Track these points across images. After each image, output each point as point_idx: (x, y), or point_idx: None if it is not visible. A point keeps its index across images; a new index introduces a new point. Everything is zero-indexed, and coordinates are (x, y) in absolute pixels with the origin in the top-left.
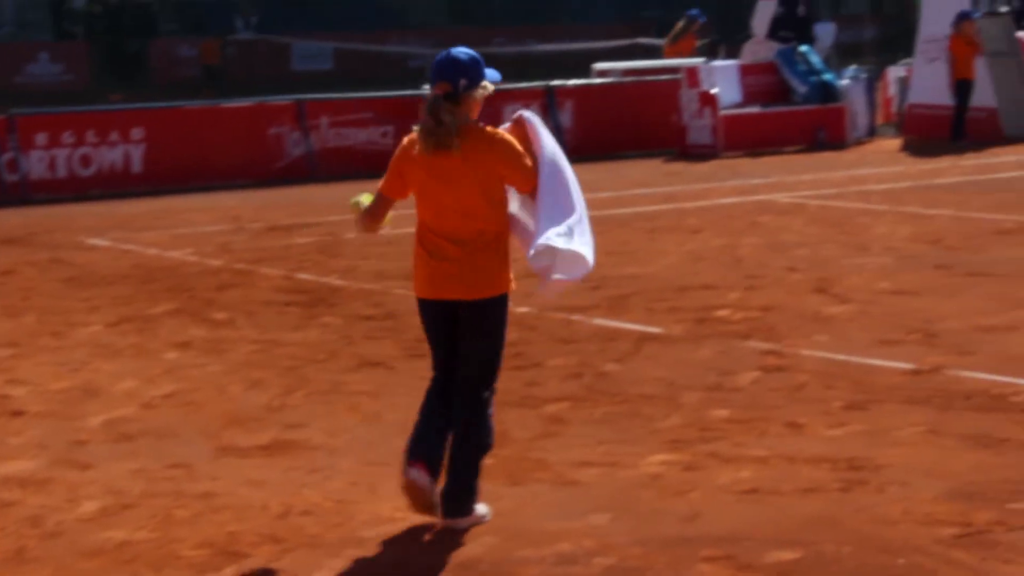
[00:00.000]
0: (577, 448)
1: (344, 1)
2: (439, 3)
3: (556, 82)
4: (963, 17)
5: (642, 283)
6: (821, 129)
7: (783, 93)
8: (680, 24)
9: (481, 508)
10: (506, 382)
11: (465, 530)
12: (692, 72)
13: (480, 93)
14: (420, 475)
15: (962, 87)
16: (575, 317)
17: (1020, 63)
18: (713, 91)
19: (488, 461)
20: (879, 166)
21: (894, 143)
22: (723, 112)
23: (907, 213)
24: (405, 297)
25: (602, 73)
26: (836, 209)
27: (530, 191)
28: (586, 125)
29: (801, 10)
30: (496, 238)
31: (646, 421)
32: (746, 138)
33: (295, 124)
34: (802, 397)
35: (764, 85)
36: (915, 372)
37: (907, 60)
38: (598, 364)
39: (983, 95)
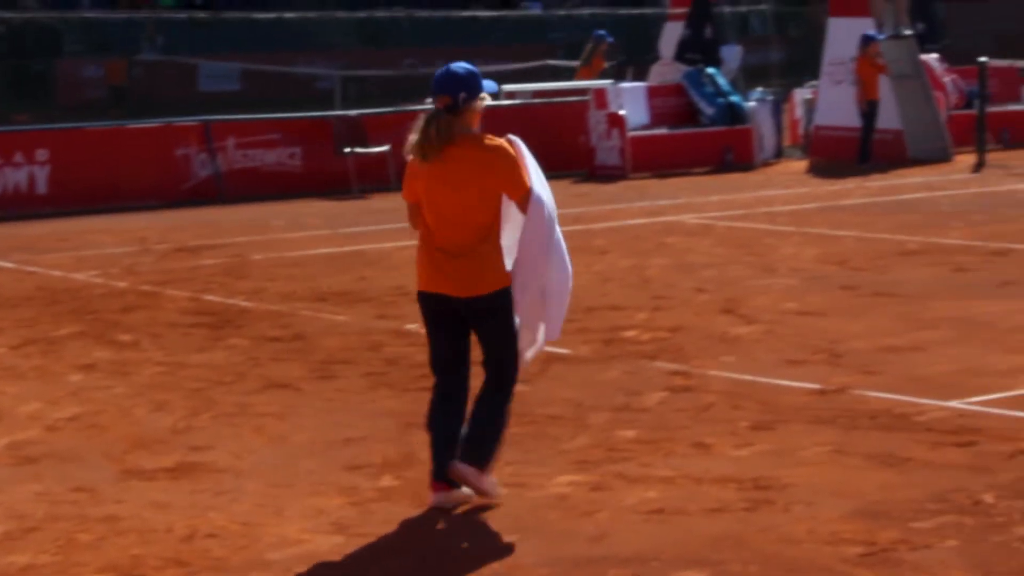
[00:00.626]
0: None
1: (251, 22)
2: (348, 24)
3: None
4: (868, 40)
5: None
6: (728, 151)
7: (691, 115)
8: (589, 46)
9: (493, 481)
10: (413, 404)
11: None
12: (600, 94)
13: (479, 104)
14: (445, 497)
15: (870, 109)
16: None
17: (924, 85)
18: (621, 113)
19: (395, 483)
20: (786, 187)
21: (801, 165)
22: (631, 134)
23: (813, 234)
24: (313, 318)
25: (510, 95)
26: (743, 230)
27: (519, 199)
28: None
29: (708, 32)
30: (492, 238)
31: (553, 442)
32: (654, 159)
33: (202, 145)
34: (709, 417)
35: (672, 107)
36: (821, 392)
37: (813, 82)
38: None
39: (889, 118)
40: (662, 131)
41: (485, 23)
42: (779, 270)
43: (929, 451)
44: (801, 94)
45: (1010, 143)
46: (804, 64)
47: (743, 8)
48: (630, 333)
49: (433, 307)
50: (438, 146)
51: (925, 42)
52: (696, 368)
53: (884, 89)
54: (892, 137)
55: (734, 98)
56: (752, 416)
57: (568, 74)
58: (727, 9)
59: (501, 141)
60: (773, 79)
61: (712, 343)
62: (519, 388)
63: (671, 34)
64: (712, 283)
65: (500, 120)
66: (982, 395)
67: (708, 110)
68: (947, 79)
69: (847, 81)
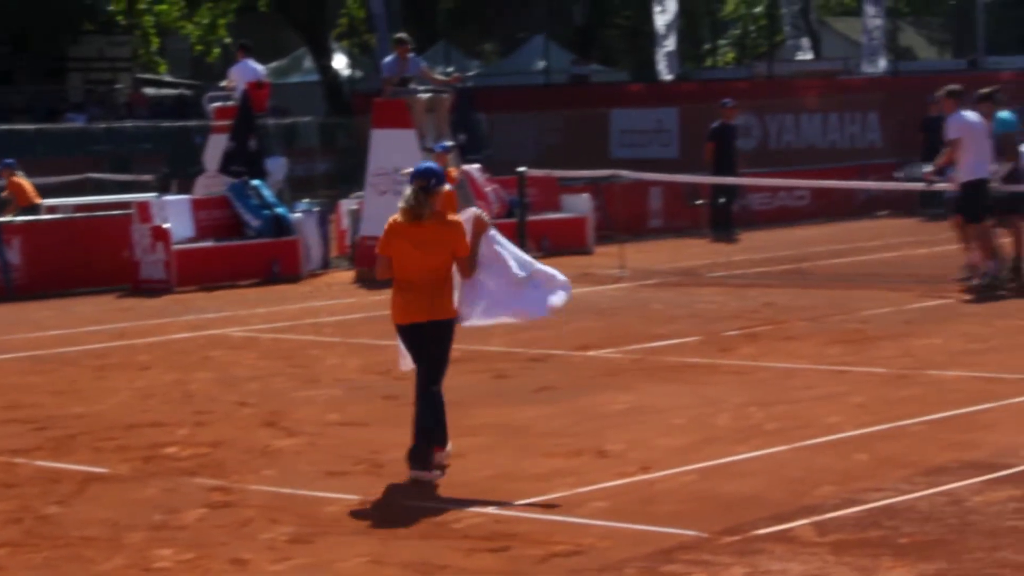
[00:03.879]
0: None
1: None
2: None
3: (3, 219)
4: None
5: (89, 422)
6: (275, 262)
7: (237, 227)
8: None
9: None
10: None
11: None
12: (144, 207)
13: (442, 190)
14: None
15: None
16: (17, 460)
17: (467, 196)
18: (165, 226)
19: None
20: (332, 298)
21: (347, 275)
22: (176, 247)
23: (358, 344)
24: None
25: (51, 209)
26: (288, 342)
27: (464, 256)
28: (35, 262)
29: (253, 144)
30: (448, 281)
31: (87, 564)
32: (200, 273)
33: None
34: (247, 533)
35: (217, 219)
36: (361, 502)
37: (359, 193)
38: (39, 507)
39: None
40: (208, 244)
41: (28, 135)
42: (323, 381)
43: (464, 558)
44: (347, 205)
45: (550, 250)
46: (350, 175)
47: (288, 120)
48: (170, 450)
49: (410, 336)
50: (429, 209)
51: (467, 153)
52: (236, 483)
53: None
54: None
55: (280, 210)
56: (291, 530)
57: (113, 187)
58: (272, 121)
59: (457, 217)
60: (319, 190)
61: (253, 457)
62: (52, 511)
63: (215, 146)
64: (255, 396)
65: (41, 234)
66: (517, 500)
67: (254, 222)
68: (489, 188)
69: (391, 192)
